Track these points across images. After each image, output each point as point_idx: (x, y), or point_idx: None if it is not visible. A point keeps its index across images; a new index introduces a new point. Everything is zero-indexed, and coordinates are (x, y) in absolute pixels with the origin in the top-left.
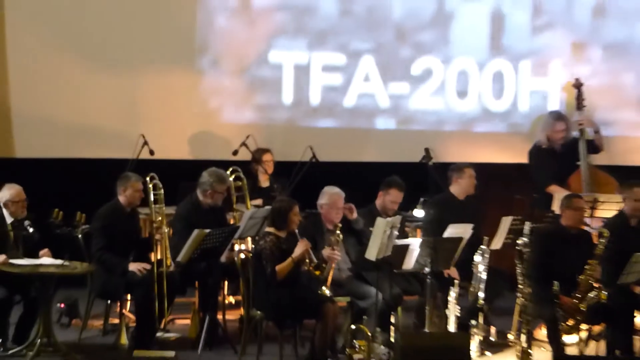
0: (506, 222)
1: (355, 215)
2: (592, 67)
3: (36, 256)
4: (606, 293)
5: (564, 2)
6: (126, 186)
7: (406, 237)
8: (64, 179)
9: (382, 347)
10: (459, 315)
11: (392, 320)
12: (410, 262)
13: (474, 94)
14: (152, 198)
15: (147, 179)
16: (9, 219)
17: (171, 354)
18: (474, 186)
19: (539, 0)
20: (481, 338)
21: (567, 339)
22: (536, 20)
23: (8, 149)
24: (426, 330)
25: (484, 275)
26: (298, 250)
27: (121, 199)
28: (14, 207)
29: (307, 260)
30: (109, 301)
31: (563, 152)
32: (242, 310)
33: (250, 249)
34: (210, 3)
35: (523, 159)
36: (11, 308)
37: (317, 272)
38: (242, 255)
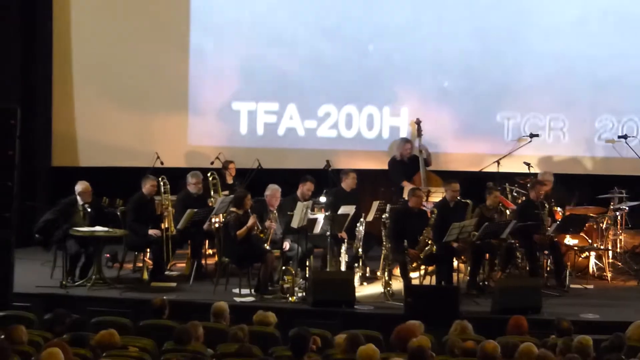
0: (375, 204)
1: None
2: (429, 112)
3: (93, 225)
4: (436, 247)
5: (415, 72)
6: (147, 183)
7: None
8: (109, 178)
9: (301, 280)
10: (347, 260)
11: (307, 263)
12: (317, 228)
13: (355, 127)
14: (162, 190)
15: (160, 178)
16: (80, 202)
17: (173, 284)
18: (355, 183)
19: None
20: (360, 274)
21: (412, 275)
22: (394, 83)
23: (75, 160)
24: (327, 269)
25: (362, 236)
26: (250, 222)
27: (144, 190)
28: (84, 196)
29: (256, 228)
30: (136, 252)
31: (409, 163)
32: (216, 258)
33: (221, 220)
34: (195, 71)
35: (384, 166)
36: (80, 257)
37: (262, 235)
38: (217, 225)
